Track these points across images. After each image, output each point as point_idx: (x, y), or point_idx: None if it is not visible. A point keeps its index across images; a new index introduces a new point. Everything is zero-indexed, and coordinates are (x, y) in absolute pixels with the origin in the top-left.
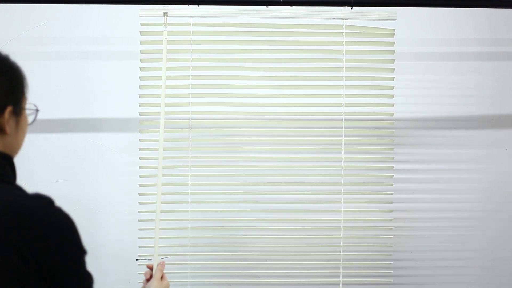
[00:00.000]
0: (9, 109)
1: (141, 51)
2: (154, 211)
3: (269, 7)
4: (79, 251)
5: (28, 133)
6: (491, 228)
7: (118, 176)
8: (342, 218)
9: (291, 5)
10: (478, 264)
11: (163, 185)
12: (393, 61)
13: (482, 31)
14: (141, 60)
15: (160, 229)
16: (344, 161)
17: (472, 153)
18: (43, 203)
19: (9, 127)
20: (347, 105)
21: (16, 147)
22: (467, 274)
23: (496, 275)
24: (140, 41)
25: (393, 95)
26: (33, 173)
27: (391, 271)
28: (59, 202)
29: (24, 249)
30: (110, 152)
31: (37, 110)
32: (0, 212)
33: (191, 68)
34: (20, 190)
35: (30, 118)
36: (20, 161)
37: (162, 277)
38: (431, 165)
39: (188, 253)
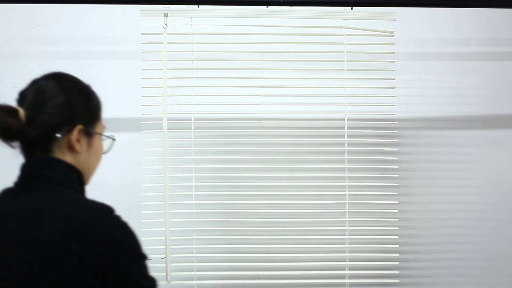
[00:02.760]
0: (78, 127)
1: (142, 52)
2: (156, 212)
3: (269, 7)
4: (141, 258)
5: None
6: (491, 227)
7: (119, 176)
8: (347, 219)
9: (291, 5)
10: (478, 264)
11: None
12: (393, 61)
13: (482, 31)
14: (142, 61)
15: (165, 229)
16: (348, 162)
17: (472, 153)
18: (107, 215)
19: (79, 146)
20: (349, 104)
21: (87, 167)
22: (467, 274)
23: (496, 275)
24: (141, 41)
25: (394, 95)
26: None
27: (397, 272)
28: None
29: (88, 260)
30: (111, 152)
31: (113, 140)
32: (65, 220)
33: (192, 68)
34: (84, 198)
35: (106, 146)
36: (20, 161)
37: None
38: (431, 164)
39: (194, 254)
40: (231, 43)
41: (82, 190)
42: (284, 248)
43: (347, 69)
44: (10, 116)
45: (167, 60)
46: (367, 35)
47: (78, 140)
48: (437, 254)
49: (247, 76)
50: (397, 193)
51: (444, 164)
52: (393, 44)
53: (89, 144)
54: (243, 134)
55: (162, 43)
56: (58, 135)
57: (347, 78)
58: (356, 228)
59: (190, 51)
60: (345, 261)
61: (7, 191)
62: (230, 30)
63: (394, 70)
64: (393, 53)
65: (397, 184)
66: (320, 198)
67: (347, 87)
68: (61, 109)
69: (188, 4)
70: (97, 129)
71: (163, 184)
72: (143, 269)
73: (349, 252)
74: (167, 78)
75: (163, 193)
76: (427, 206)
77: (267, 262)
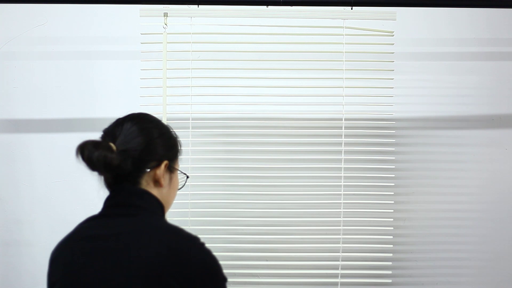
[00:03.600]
0: (165, 163)
1: (141, 52)
2: None
3: (269, 7)
4: (224, 281)
5: (28, 132)
6: (491, 227)
7: None
8: (341, 218)
9: (291, 5)
10: (478, 264)
11: None
12: (392, 61)
13: (481, 31)
14: (141, 61)
15: None
16: (344, 162)
17: (472, 153)
18: (195, 244)
19: (163, 180)
20: (347, 104)
21: (167, 201)
22: (467, 274)
23: (496, 275)
24: (140, 41)
25: (393, 95)
26: (33, 173)
27: (390, 272)
28: (59, 202)
29: (181, 285)
30: None
31: (187, 177)
32: (161, 246)
33: (191, 68)
34: (174, 226)
35: (180, 184)
36: (20, 161)
37: None
38: (430, 164)
39: None
40: (230, 43)
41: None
42: (279, 247)
43: (345, 69)
44: (110, 151)
45: (166, 60)
46: (366, 35)
47: (163, 175)
48: (435, 254)
49: (246, 76)
50: (392, 193)
51: (442, 164)
52: (392, 44)
53: (170, 179)
54: (241, 134)
55: (161, 43)
56: (147, 170)
57: (345, 78)
58: (351, 228)
59: (190, 51)
60: (338, 261)
61: (94, 218)
62: (230, 30)
63: (393, 70)
64: (392, 53)
65: (393, 184)
66: (316, 198)
67: (345, 87)
68: (148, 146)
69: (188, 4)
70: (177, 165)
71: None
72: None
73: (342, 252)
74: (167, 78)
75: None
76: (425, 206)
77: (267, 261)
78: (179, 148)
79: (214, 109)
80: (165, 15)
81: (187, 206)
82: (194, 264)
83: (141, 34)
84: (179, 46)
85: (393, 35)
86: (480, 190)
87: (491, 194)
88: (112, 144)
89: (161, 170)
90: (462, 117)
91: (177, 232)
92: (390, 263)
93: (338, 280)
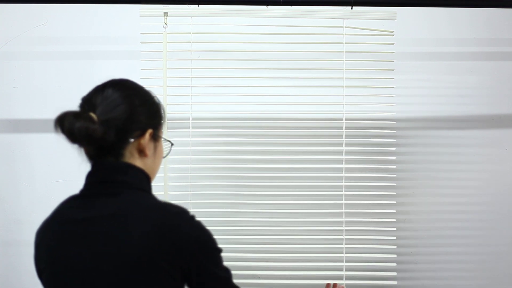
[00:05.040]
0: (149, 131)
1: (141, 51)
2: None
3: (269, 7)
4: (218, 252)
5: (28, 132)
6: (491, 228)
7: None
8: (343, 219)
9: (291, 5)
10: (478, 264)
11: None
12: (392, 61)
13: (481, 31)
14: (142, 60)
15: None
16: (345, 162)
17: (472, 153)
18: (185, 218)
19: (148, 149)
20: (347, 104)
21: (152, 171)
22: (466, 275)
23: (496, 275)
24: (140, 41)
25: (393, 95)
26: (33, 173)
27: (395, 273)
28: (59, 202)
29: (174, 262)
30: None
31: (172, 144)
32: (150, 224)
33: (191, 68)
34: (161, 201)
35: (165, 151)
36: (20, 161)
37: None
38: (429, 165)
39: None
40: (230, 43)
41: (150, 192)
42: (281, 248)
43: (346, 69)
44: (92, 122)
45: (167, 60)
46: (366, 34)
47: (147, 144)
48: (436, 256)
49: (246, 76)
50: (394, 193)
51: (443, 164)
52: (392, 44)
53: (155, 148)
54: (241, 134)
55: (161, 42)
56: (131, 140)
57: (346, 78)
58: (353, 228)
59: (190, 51)
60: (341, 262)
61: (76, 197)
62: (230, 30)
63: (393, 70)
64: (392, 52)
65: (395, 184)
66: (318, 198)
67: (345, 87)
68: (131, 114)
69: (188, 4)
70: (161, 133)
71: (160, 184)
72: (219, 261)
73: (345, 253)
74: (166, 78)
75: (162, 193)
76: (426, 207)
77: (267, 262)
78: (163, 114)
79: (214, 109)
80: (165, 14)
81: (187, 207)
82: (184, 240)
83: (141, 34)
84: (179, 46)
85: (393, 35)
86: (480, 190)
87: (491, 194)
88: (93, 114)
89: (146, 139)
90: (462, 117)
91: (164, 209)
92: (394, 264)
93: (343, 281)
